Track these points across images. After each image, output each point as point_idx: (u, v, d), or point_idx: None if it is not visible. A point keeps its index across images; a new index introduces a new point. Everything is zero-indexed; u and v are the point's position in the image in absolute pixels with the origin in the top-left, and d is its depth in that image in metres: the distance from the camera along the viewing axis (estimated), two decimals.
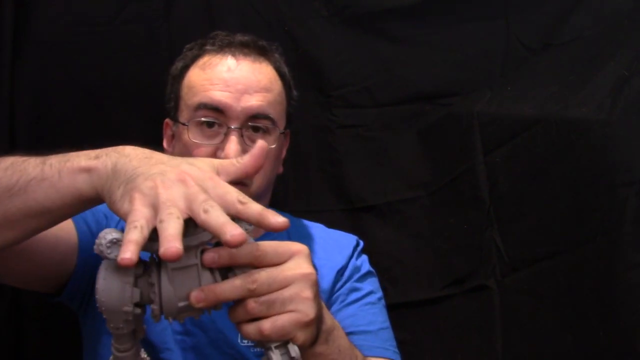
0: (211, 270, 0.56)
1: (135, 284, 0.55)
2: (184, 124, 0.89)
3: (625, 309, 0.88)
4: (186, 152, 0.87)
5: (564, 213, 0.97)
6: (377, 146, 1.15)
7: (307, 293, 0.58)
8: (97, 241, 0.54)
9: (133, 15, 1.12)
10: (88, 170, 0.59)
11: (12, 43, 1.07)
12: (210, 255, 0.55)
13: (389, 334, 0.90)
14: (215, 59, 0.90)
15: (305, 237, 0.96)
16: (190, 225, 0.54)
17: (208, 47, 0.92)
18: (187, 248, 0.53)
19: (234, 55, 0.90)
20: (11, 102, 1.08)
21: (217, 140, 0.87)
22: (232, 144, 0.84)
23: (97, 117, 1.12)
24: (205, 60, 0.91)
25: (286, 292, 0.57)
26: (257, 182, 0.88)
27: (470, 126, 1.07)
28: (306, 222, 1.01)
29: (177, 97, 0.93)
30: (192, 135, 0.87)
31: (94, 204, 0.60)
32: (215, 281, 0.56)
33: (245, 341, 0.82)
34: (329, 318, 0.65)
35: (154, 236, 0.52)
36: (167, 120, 0.96)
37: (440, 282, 1.09)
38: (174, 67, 0.95)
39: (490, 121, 1.06)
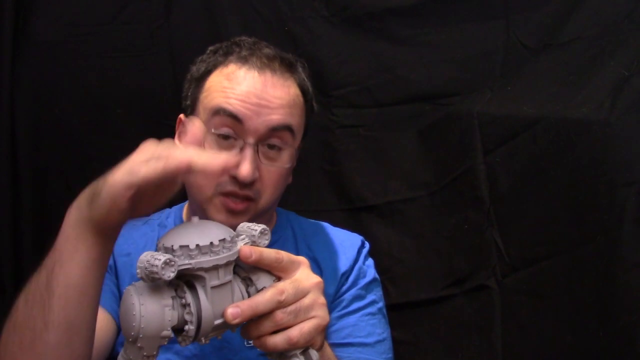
0: (238, 286, 0.59)
1: (172, 307, 0.55)
2: None
3: (625, 309, 0.88)
4: None
5: (564, 213, 0.97)
6: (377, 146, 1.15)
7: (322, 299, 0.64)
8: (142, 265, 0.54)
9: (133, 15, 1.12)
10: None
11: (12, 43, 1.07)
12: (247, 250, 0.59)
13: (385, 346, 0.90)
14: (241, 71, 0.85)
15: (310, 236, 0.96)
16: (227, 242, 0.57)
17: (233, 57, 0.87)
18: (225, 264, 0.56)
19: (260, 69, 0.85)
20: (11, 102, 1.08)
21: (231, 152, 0.82)
22: (247, 162, 0.81)
23: (97, 117, 1.12)
24: (230, 70, 0.86)
25: (307, 300, 0.62)
26: (266, 198, 0.86)
27: (470, 126, 1.07)
28: (311, 221, 1.01)
29: (195, 99, 0.89)
30: (206, 144, 0.83)
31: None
32: (243, 297, 0.59)
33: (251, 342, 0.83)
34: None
35: (216, 249, 0.55)
36: (182, 115, 0.92)
37: (441, 282, 1.09)
38: (195, 67, 0.91)
39: (490, 121, 1.06)
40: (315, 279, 0.64)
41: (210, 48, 0.91)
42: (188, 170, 0.55)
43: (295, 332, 0.60)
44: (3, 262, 1.07)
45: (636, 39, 0.97)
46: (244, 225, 0.64)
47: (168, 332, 0.55)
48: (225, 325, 0.57)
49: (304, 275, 0.63)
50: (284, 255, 0.63)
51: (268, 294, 0.59)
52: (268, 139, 0.84)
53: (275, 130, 0.84)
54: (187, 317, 0.55)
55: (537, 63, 1.07)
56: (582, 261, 0.94)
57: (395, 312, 1.03)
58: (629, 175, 0.90)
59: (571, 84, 1.01)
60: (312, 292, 0.63)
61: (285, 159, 0.86)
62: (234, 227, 0.82)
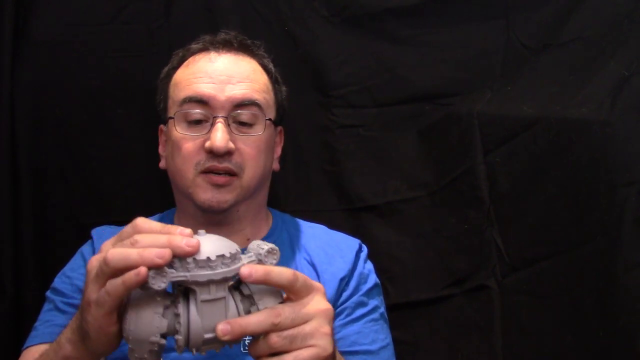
0: (236, 303, 0.58)
1: (163, 315, 0.56)
2: (171, 118, 0.88)
3: (625, 309, 0.89)
4: (175, 147, 0.87)
5: (564, 213, 0.97)
6: (377, 146, 1.15)
7: (326, 329, 0.60)
8: None
9: (133, 15, 1.12)
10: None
11: (12, 43, 1.07)
12: (246, 271, 0.57)
13: (389, 351, 0.90)
14: (199, 56, 0.91)
15: (306, 239, 0.95)
16: (225, 258, 0.57)
17: (192, 47, 0.93)
18: (220, 281, 0.56)
19: (216, 49, 0.91)
20: (11, 102, 1.08)
21: (203, 132, 0.86)
22: (218, 131, 0.84)
23: (97, 117, 1.12)
24: (189, 59, 0.92)
25: (307, 327, 0.59)
26: (249, 173, 0.87)
27: (470, 126, 1.07)
28: (308, 224, 1.00)
29: (165, 98, 0.93)
30: (179, 128, 0.87)
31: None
32: (239, 315, 0.58)
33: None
34: (338, 354, 0.66)
35: (226, 261, 0.56)
36: (161, 126, 0.96)
37: (441, 282, 1.09)
38: (162, 72, 0.96)
39: (490, 121, 1.06)
40: (324, 306, 0.61)
41: (174, 52, 0.96)
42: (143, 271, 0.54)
43: (289, 359, 0.58)
44: (3, 262, 1.07)
45: (636, 39, 0.97)
46: (254, 244, 0.63)
47: (156, 339, 0.56)
48: (217, 340, 0.57)
49: (313, 302, 0.60)
50: (300, 277, 0.60)
51: (262, 315, 0.57)
52: (237, 115, 0.87)
53: (241, 105, 0.87)
54: (177, 326, 0.56)
55: (537, 63, 1.07)
56: (582, 261, 0.94)
57: (395, 312, 1.03)
58: (629, 175, 0.90)
59: (571, 84, 1.01)
60: (315, 319, 0.59)
61: (258, 129, 0.88)
62: (220, 204, 0.85)
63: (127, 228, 0.58)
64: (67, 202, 1.12)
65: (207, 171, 0.85)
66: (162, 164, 0.95)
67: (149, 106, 1.08)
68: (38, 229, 1.10)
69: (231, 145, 0.85)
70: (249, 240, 0.91)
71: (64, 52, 1.10)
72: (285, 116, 0.99)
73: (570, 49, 1.04)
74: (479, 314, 1.04)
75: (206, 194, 0.85)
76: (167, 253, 0.54)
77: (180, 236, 0.56)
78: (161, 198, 1.12)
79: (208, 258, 0.56)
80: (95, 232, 0.95)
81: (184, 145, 0.86)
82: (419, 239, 1.11)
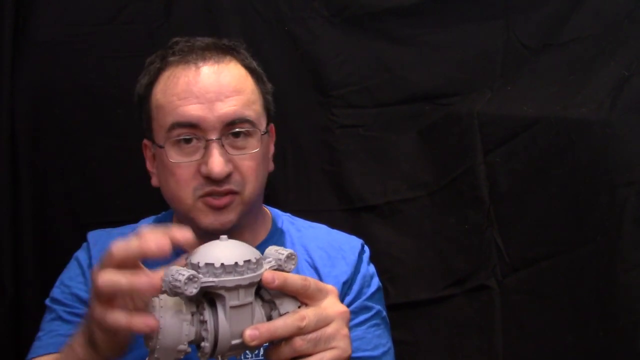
0: (260, 309, 0.59)
1: (191, 322, 0.57)
2: (160, 147, 0.83)
3: (625, 309, 0.89)
4: (169, 174, 0.83)
5: (564, 213, 0.97)
6: (377, 146, 1.15)
7: (345, 330, 0.62)
8: (166, 279, 0.55)
9: (133, 15, 1.12)
10: None
11: (12, 43, 1.07)
12: (270, 276, 0.58)
13: (390, 356, 0.89)
14: (178, 70, 0.83)
15: (307, 240, 0.94)
16: (252, 264, 0.57)
17: (170, 59, 0.85)
18: (248, 285, 0.57)
19: (196, 63, 0.83)
20: (11, 102, 1.08)
21: (197, 156, 0.81)
22: (215, 157, 0.79)
23: (97, 117, 1.12)
24: (168, 74, 0.84)
25: (329, 330, 0.60)
26: (250, 188, 0.84)
27: (470, 126, 1.07)
28: (308, 223, 0.98)
29: (148, 118, 0.86)
30: (170, 156, 0.81)
31: None
32: (264, 320, 0.59)
33: (250, 355, 0.82)
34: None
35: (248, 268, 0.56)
36: (145, 141, 0.89)
37: (441, 282, 1.09)
38: (138, 85, 0.88)
39: (490, 121, 1.06)
40: (341, 308, 0.63)
41: (148, 59, 0.89)
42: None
43: None
44: (3, 262, 1.07)
45: (636, 39, 0.98)
46: (272, 249, 0.63)
47: (184, 347, 0.56)
48: (244, 346, 0.57)
49: (330, 304, 0.62)
50: (311, 282, 0.61)
51: (289, 319, 0.58)
52: (230, 133, 0.82)
53: (233, 124, 0.82)
54: (204, 333, 0.56)
55: (537, 63, 1.07)
56: (582, 261, 0.94)
57: (395, 312, 1.02)
58: (629, 175, 0.91)
59: (571, 84, 1.01)
60: (335, 321, 0.61)
61: (254, 144, 0.84)
62: (224, 226, 0.82)
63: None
64: (67, 202, 1.12)
65: (206, 195, 0.82)
66: (154, 182, 0.90)
67: None
68: (38, 229, 1.10)
69: (229, 167, 0.81)
70: None
71: (64, 52, 1.10)
72: (275, 112, 0.94)
73: (570, 49, 1.04)
74: (479, 314, 1.04)
75: (208, 219, 0.82)
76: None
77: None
78: (161, 198, 1.11)
79: (236, 263, 0.56)
80: (91, 236, 0.93)
81: (178, 172, 0.82)
82: (419, 239, 1.11)
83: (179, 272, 0.55)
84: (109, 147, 1.13)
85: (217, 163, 0.79)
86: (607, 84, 0.96)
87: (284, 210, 1.03)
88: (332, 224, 1.02)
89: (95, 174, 1.13)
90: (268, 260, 0.62)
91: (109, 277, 0.56)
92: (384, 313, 0.92)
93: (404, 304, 1.09)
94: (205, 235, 0.84)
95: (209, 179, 0.80)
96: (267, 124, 0.89)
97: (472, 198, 1.07)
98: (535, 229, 1.00)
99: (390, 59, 1.14)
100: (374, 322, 0.88)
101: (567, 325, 0.95)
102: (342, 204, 1.16)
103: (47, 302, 0.88)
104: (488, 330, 1.03)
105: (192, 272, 0.55)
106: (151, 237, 0.56)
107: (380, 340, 0.88)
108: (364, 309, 0.88)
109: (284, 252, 0.62)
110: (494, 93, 1.09)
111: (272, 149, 0.94)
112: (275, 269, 0.61)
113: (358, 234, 1.01)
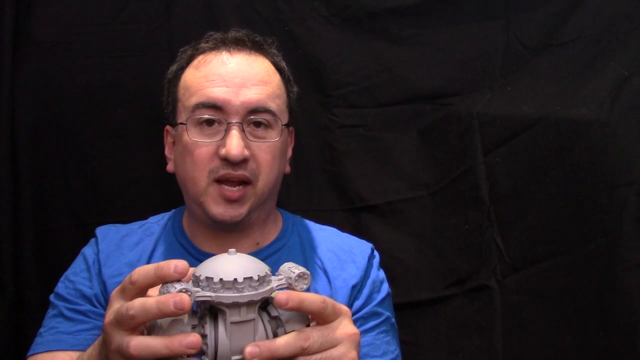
0: (264, 325, 0.58)
1: None
2: (182, 124, 0.85)
3: (625, 309, 0.89)
4: (187, 153, 0.84)
5: (564, 213, 0.97)
6: (377, 146, 1.15)
7: (353, 354, 0.59)
8: (162, 291, 0.55)
9: (133, 15, 1.12)
10: None
11: (12, 43, 1.07)
12: (284, 298, 0.56)
13: None
14: (210, 55, 0.87)
15: (318, 244, 0.93)
16: (253, 281, 0.56)
17: (202, 45, 0.89)
18: (250, 303, 0.56)
19: (228, 50, 0.86)
20: (11, 102, 1.08)
21: (217, 138, 0.82)
22: (234, 138, 0.80)
23: (97, 117, 1.12)
24: (199, 59, 0.87)
25: (335, 352, 0.58)
26: (264, 179, 0.84)
27: (470, 126, 1.07)
28: (318, 226, 0.98)
29: (174, 100, 0.89)
30: (191, 134, 0.83)
31: None
32: (268, 337, 0.58)
33: None
34: None
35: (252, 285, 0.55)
36: (167, 127, 0.92)
37: (441, 282, 1.09)
38: (169, 71, 0.92)
39: (490, 121, 1.06)
40: (352, 330, 0.60)
41: (181, 49, 0.92)
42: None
43: None
44: (3, 262, 1.07)
45: (636, 39, 0.98)
46: (286, 266, 0.62)
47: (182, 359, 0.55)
48: None
49: (340, 325, 0.59)
50: (328, 304, 0.59)
51: (292, 339, 0.57)
52: (252, 120, 0.83)
53: (256, 112, 0.83)
54: (204, 347, 0.56)
55: (537, 63, 1.07)
56: (582, 261, 0.94)
57: (396, 312, 1.02)
58: (629, 175, 0.91)
59: (571, 84, 1.01)
60: (343, 344, 0.59)
61: (273, 137, 0.85)
62: (233, 219, 0.83)
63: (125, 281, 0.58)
64: (68, 202, 1.12)
65: (221, 180, 0.82)
66: (169, 167, 0.91)
67: (149, 106, 1.08)
68: (38, 229, 1.10)
69: (246, 152, 0.82)
70: (258, 245, 0.90)
71: (64, 52, 1.10)
72: (296, 117, 0.97)
73: (570, 49, 1.04)
74: (480, 313, 1.05)
75: (218, 208, 0.83)
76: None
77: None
78: (161, 198, 1.12)
79: (235, 280, 0.55)
80: (100, 231, 0.93)
81: (196, 151, 0.83)
82: (420, 239, 1.11)
83: (173, 285, 0.54)
84: (109, 147, 1.13)
85: (235, 145, 0.80)
86: (607, 84, 0.96)
87: (287, 209, 1.03)
88: (332, 224, 1.02)
89: (95, 174, 1.13)
90: (279, 277, 0.60)
91: (143, 343, 0.54)
92: (393, 319, 0.91)
93: (404, 304, 1.09)
94: (214, 224, 0.86)
95: (226, 162, 0.81)
96: (289, 124, 0.91)
97: (472, 198, 1.07)
98: (535, 229, 1.00)
99: (390, 59, 1.14)
100: (383, 328, 0.88)
101: (567, 325, 0.95)
102: (342, 204, 1.16)
103: (51, 297, 0.88)
104: (488, 330, 1.03)
105: (185, 286, 0.54)
106: (171, 262, 0.55)
107: (388, 347, 0.87)
108: (374, 314, 0.87)
109: (296, 270, 0.60)
110: (494, 93, 1.09)
111: (290, 152, 0.95)
112: (284, 288, 0.59)
113: (358, 234, 1.02)
